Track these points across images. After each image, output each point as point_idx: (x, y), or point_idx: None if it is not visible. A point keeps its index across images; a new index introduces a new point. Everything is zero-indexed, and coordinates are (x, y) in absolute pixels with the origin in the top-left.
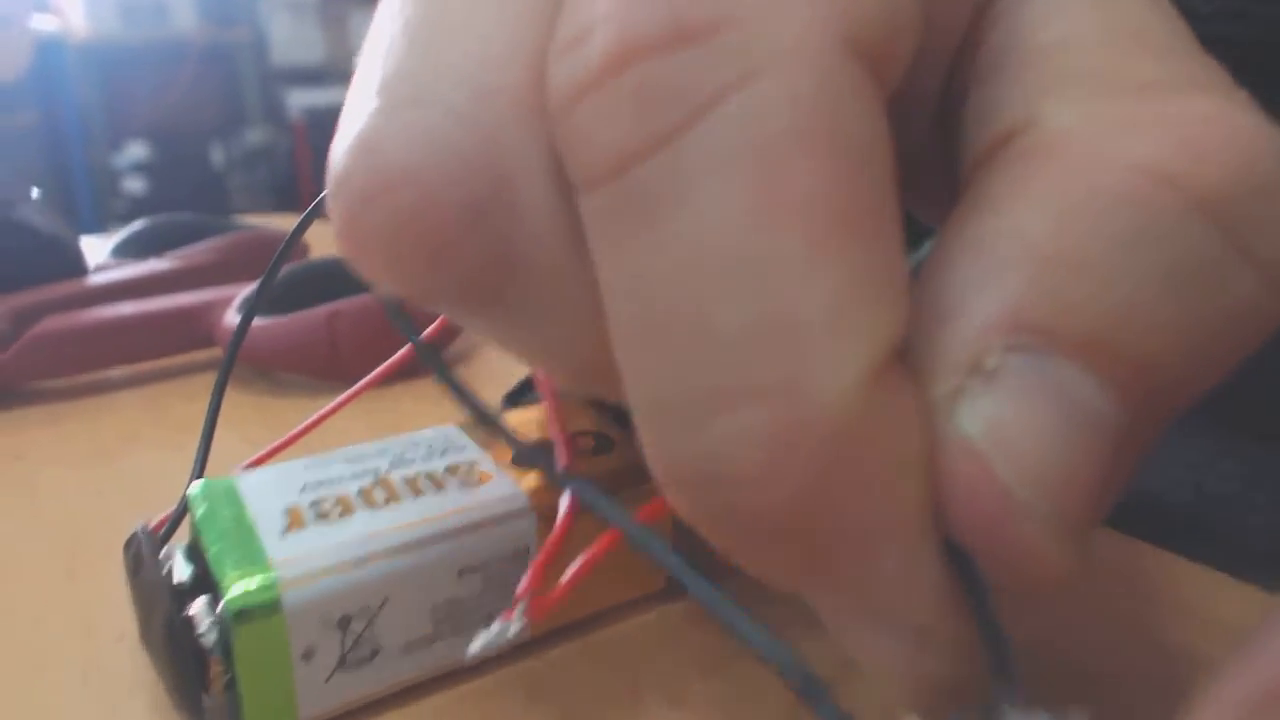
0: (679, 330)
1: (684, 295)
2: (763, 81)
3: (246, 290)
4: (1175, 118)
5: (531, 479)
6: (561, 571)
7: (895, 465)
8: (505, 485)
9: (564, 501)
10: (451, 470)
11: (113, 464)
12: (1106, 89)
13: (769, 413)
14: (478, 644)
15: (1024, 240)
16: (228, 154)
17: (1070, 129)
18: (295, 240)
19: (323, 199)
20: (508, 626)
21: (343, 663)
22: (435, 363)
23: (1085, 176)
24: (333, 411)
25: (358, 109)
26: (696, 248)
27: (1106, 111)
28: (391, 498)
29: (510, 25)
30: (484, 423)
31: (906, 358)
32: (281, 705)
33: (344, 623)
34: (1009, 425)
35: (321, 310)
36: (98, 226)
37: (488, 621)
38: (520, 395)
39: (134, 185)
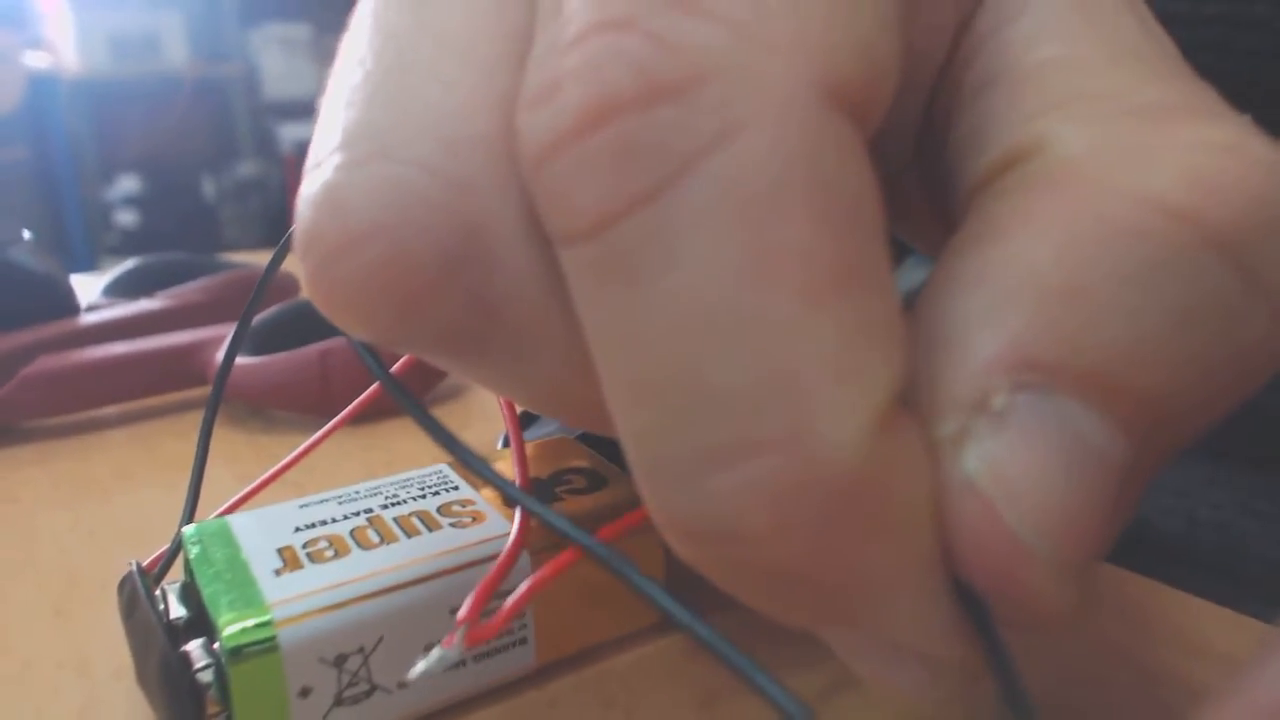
0: (672, 387)
1: (675, 352)
2: (744, 137)
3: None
4: (1187, 146)
5: (524, 518)
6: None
7: (903, 510)
8: (498, 525)
9: (516, 520)
10: (444, 510)
11: (105, 503)
12: (1113, 112)
13: (772, 468)
14: (417, 669)
15: (1031, 272)
16: (219, 187)
17: (1078, 156)
18: (270, 276)
19: (290, 237)
20: (447, 653)
21: (339, 700)
22: (402, 397)
23: (1095, 207)
24: (315, 444)
25: (321, 160)
26: (685, 306)
27: (1115, 137)
28: (385, 538)
29: (475, 72)
30: (449, 449)
31: (907, 394)
32: None
33: (339, 661)
34: (1015, 468)
35: (314, 348)
36: (90, 258)
37: (480, 659)
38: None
39: (126, 218)
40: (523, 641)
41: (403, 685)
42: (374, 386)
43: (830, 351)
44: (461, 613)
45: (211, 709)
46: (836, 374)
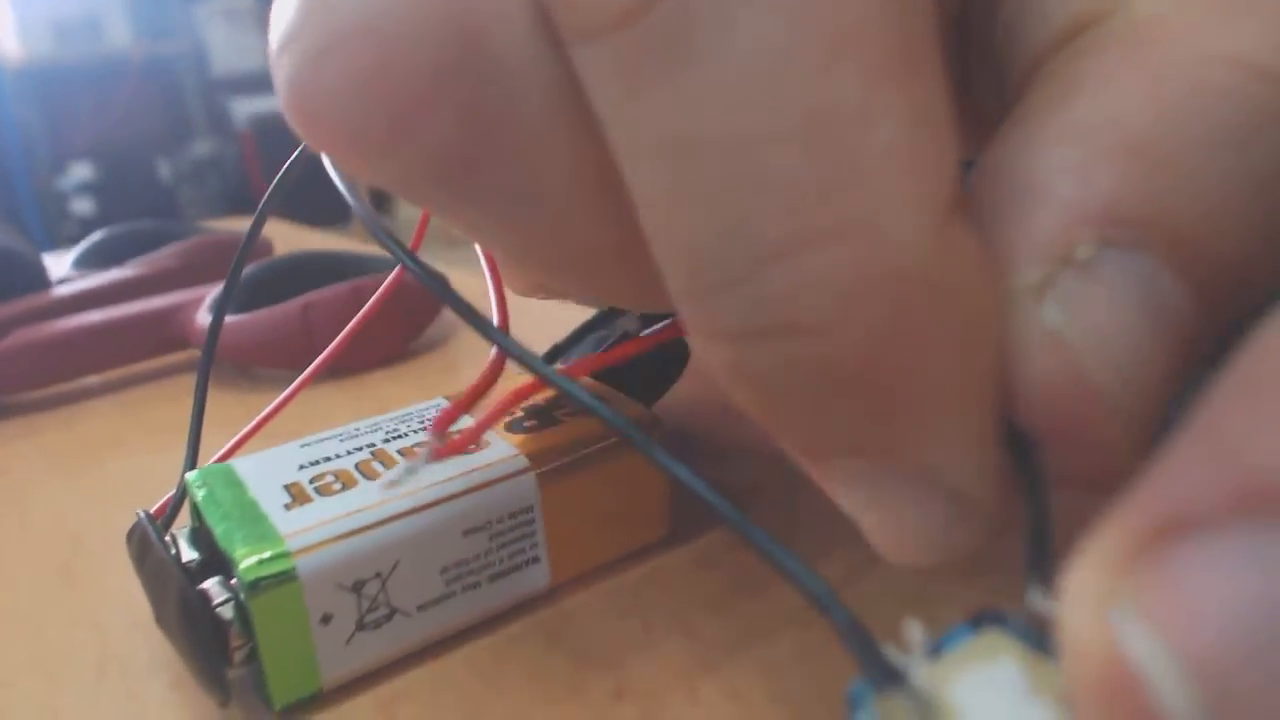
0: (726, 183)
1: (728, 145)
2: None
3: (216, 290)
4: (1272, 9)
5: (528, 442)
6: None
7: (964, 317)
8: (503, 448)
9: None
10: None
11: (100, 469)
12: None
13: (838, 256)
14: (386, 477)
15: (1123, 130)
16: (175, 168)
17: (1164, 16)
18: (258, 231)
19: (277, 189)
20: (413, 464)
21: (361, 625)
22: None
23: (1186, 68)
24: (304, 383)
25: None
26: (741, 91)
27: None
28: (390, 468)
29: None
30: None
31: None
32: (304, 670)
33: (358, 586)
34: (1101, 320)
35: (295, 302)
36: (48, 250)
37: (495, 579)
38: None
39: (82, 206)
40: (535, 560)
41: (422, 608)
42: (354, 321)
43: (899, 136)
44: (431, 425)
45: (235, 643)
46: (906, 160)
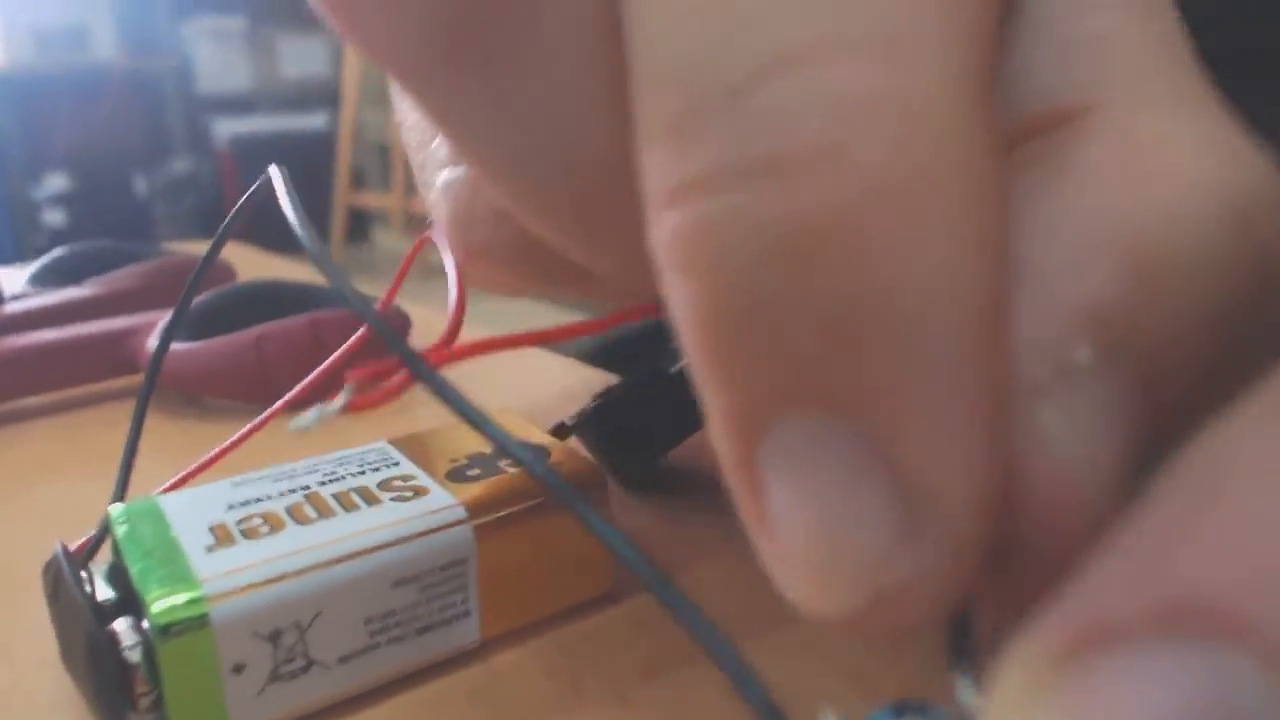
0: None
1: None
2: None
3: (169, 315)
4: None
5: (469, 491)
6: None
7: (977, 237)
8: (442, 497)
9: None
10: (385, 485)
11: (29, 493)
12: (1172, 91)
13: (852, 72)
14: (295, 422)
15: (1122, 231)
16: (151, 184)
17: (1157, 126)
18: (214, 255)
19: (237, 215)
20: (326, 408)
21: (275, 676)
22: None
23: (1177, 186)
24: (256, 429)
25: None
26: None
27: (1180, 117)
28: (322, 513)
29: None
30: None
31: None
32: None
33: (275, 636)
34: (1092, 435)
35: (250, 332)
36: (17, 260)
37: (422, 632)
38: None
39: (54, 217)
40: (466, 614)
41: (343, 660)
42: (317, 371)
43: None
44: (350, 372)
45: (141, 689)
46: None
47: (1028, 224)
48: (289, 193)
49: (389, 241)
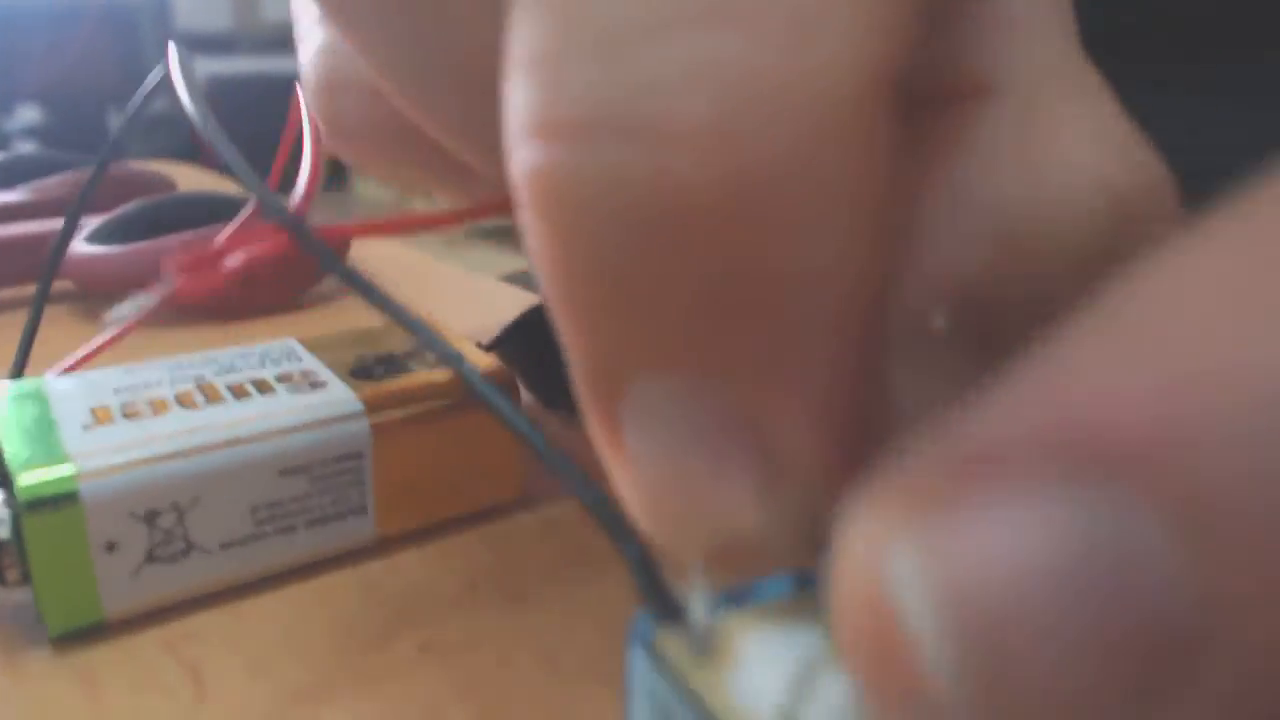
0: None
1: None
2: None
3: (97, 221)
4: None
5: (370, 388)
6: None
7: (853, 225)
8: (339, 391)
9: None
10: (282, 378)
11: None
12: (1075, 83)
13: (749, 45)
14: (116, 311)
15: (1002, 216)
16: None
17: (1053, 114)
18: (112, 152)
19: (145, 102)
20: (147, 297)
21: (151, 557)
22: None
23: (1059, 174)
24: (141, 319)
25: None
26: None
27: (1077, 109)
28: (212, 400)
29: None
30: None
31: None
32: (83, 598)
33: (150, 517)
34: (937, 398)
35: (174, 238)
36: None
37: (313, 524)
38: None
39: (25, 149)
40: (361, 510)
41: (225, 546)
42: (209, 251)
43: None
44: (176, 258)
45: (9, 562)
46: None
47: (920, 196)
48: (185, 73)
49: (367, 190)
